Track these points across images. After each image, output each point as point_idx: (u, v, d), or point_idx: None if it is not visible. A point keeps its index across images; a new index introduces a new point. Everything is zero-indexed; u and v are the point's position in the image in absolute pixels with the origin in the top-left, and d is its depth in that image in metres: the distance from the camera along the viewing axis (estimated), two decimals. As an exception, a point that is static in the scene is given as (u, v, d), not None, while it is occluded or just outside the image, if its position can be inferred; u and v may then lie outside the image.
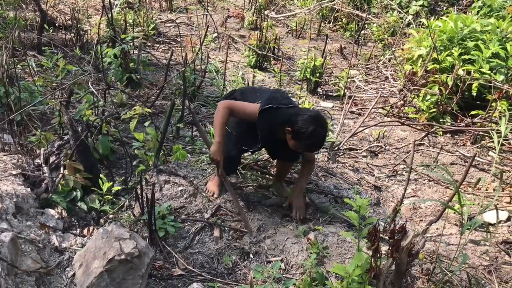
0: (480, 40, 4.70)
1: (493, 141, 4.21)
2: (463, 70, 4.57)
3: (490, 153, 4.33)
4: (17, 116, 3.38)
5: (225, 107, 2.82)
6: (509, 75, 4.50)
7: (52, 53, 4.98)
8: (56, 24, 6.20)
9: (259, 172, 3.56)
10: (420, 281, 2.65)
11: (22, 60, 4.63)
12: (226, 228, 2.98)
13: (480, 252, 3.00)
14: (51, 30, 5.74)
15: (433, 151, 4.33)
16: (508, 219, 3.33)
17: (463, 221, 2.35)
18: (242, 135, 3.00)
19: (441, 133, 4.67)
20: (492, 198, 3.55)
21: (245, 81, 5.13)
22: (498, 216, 3.02)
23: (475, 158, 4.00)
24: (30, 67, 4.39)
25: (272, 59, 6.17)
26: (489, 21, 4.88)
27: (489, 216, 3.31)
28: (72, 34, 5.70)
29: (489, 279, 2.72)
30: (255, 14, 7.85)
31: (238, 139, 3.00)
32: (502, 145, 4.13)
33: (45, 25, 5.43)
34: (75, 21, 5.65)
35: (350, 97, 4.97)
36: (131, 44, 4.81)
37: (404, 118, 4.93)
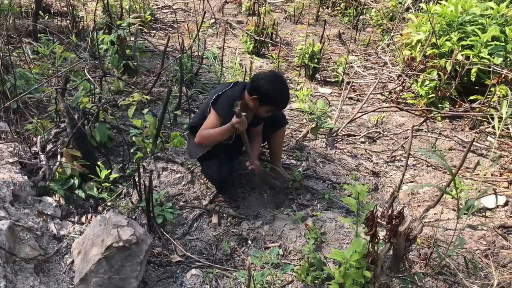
0: (480, 25, 4.65)
1: (491, 127, 4.20)
2: (462, 55, 4.53)
3: (489, 138, 4.33)
4: (13, 103, 3.36)
5: (198, 137, 2.87)
6: (508, 59, 4.46)
7: (47, 40, 4.92)
8: (52, 11, 6.13)
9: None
10: (418, 265, 2.67)
11: (18, 47, 4.58)
12: (224, 215, 2.98)
13: (477, 236, 3.02)
14: (47, 17, 5.66)
15: (431, 137, 4.32)
16: (506, 204, 3.34)
17: (460, 206, 2.36)
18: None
19: (439, 118, 4.66)
20: (490, 183, 3.56)
21: (242, 67, 5.09)
22: (497, 201, 3.02)
23: (473, 143, 4.00)
24: (26, 54, 4.35)
25: (270, 45, 6.12)
26: (488, 5, 4.82)
27: (487, 201, 3.32)
28: (68, 21, 5.64)
29: (486, 263, 2.73)
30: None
31: (217, 149, 2.97)
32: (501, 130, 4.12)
33: (40, 11, 5.36)
34: (70, 8, 5.59)
35: (348, 83, 4.94)
36: (128, 30, 4.76)
37: (403, 104, 4.91)
